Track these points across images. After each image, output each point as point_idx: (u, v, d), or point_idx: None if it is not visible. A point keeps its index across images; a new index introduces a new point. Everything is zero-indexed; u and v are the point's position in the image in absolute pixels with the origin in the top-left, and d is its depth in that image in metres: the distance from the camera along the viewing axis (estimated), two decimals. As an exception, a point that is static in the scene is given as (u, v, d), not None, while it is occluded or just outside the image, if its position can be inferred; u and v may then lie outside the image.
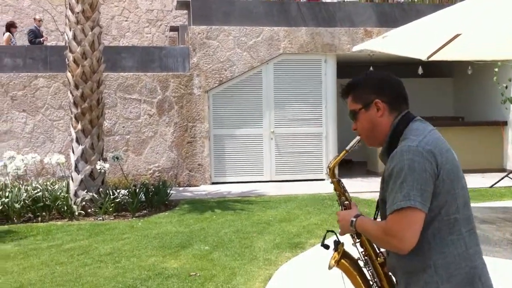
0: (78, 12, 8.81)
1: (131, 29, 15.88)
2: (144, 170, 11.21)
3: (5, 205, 8.32)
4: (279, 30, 11.48)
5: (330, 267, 2.45)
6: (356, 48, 7.55)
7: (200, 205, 9.16)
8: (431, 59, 7.95)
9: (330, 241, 2.46)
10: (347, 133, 12.71)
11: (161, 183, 9.57)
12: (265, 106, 11.47)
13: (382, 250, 2.38)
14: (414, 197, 2.00)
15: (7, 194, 8.44)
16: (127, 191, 9.04)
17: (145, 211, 8.94)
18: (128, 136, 11.20)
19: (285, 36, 11.52)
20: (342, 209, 2.42)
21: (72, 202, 8.65)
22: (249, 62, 11.42)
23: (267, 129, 11.51)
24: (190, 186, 11.18)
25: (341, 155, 2.50)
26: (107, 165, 8.82)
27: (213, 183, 11.32)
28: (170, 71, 11.29)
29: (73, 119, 8.94)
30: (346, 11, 11.96)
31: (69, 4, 8.94)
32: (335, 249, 2.44)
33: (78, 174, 8.82)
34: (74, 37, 8.87)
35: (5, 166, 8.75)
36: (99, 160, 8.81)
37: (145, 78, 11.19)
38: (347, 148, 2.46)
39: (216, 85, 11.33)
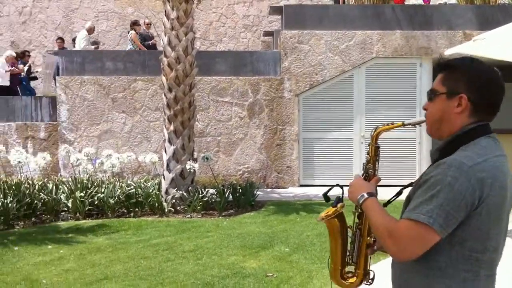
0: (173, 19, 9.16)
1: (227, 34, 16.28)
2: (234, 171, 11.43)
3: (101, 200, 8.81)
4: (372, 33, 11.30)
5: (319, 220, 2.29)
6: (448, 52, 7.28)
7: (285, 207, 9.20)
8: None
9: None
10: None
11: (248, 184, 9.73)
12: (356, 110, 11.33)
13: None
14: (437, 217, 1.82)
15: (103, 190, 8.93)
16: (215, 191, 9.28)
17: (232, 211, 9.12)
18: (220, 138, 11.47)
19: (378, 39, 11.33)
20: (363, 177, 2.25)
21: (163, 200, 9.00)
22: (340, 66, 11.33)
23: (357, 133, 11.37)
24: (278, 188, 11.27)
25: (396, 124, 2.23)
26: (196, 165, 9.10)
27: (301, 186, 11.33)
28: (261, 75, 11.45)
29: (166, 120, 9.30)
30: (444, 14, 11.56)
31: (165, 11, 9.33)
32: (334, 205, 2.29)
33: (170, 173, 9.16)
34: (169, 43, 9.23)
35: (101, 163, 9.26)
36: (189, 160, 9.10)
37: (237, 81, 11.42)
38: (406, 122, 2.23)
39: (307, 88, 11.34)
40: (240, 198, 9.36)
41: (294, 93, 11.37)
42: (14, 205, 8.18)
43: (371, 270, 2.27)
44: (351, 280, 2.25)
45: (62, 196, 8.86)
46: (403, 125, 2.22)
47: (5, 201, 8.10)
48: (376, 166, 2.25)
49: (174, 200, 8.99)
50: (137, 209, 8.93)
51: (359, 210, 2.22)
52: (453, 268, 1.91)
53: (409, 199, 2.00)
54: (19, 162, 8.84)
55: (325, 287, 5.34)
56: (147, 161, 9.77)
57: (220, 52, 12.11)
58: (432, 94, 2.04)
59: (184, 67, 9.19)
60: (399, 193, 2.30)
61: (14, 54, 13.80)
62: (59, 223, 8.45)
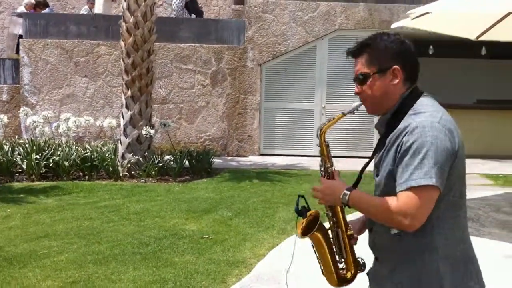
0: (132, -18, 9.13)
1: (199, 1, 16.16)
2: (195, 138, 11.53)
3: (56, 163, 8.87)
4: (336, 5, 11.35)
5: (300, 237, 2.30)
6: (394, 26, 7.38)
7: (240, 175, 9.35)
8: (480, 39, 7.66)
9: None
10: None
11: (205, 151, 9.84)
12: (318, 81, 11.43)
13: (351, 222, 2.33)
14: (436, 176, 1.92)
15: (58, 153, 8.99)
16: (172, 157, 9.39)
17: (188, 177, 9.24)
18: (182, 105, 11.53)
19: (342, 11, 11.38)
20: (325, 177, 2.25)
21: (119, 164, 9.08)
22: (303, 37, 11.39)
23: (318, 104, 11.49)
24: (238, 156, 11.40)
25: (336, 118, 2.26)
26: (152, 131, 9.18)
27: (261, 155, 11.48)
28: (225, 44, 11.47)
29: (124, 85, 9.33)
30: (409, -13, 11.62)
31: (125, -25, 9.28)
32: (304, 216, 2.31)
33: (126, 138, 9.24)
34: (128, 7, 9.20)
35: (58, 126, 9.30)
36: (146, 126, 9.17)
37: (201, 49, 11.44)
38: (345, 111, 2.24)
39: (270, 58, 11.40)
40: (196, 165, 9.48)
41: (257, 62, 11.42)
42: (-33, 165, 8.23)
43: (359, 258, 2.32)
44: (347, 275, 2.30)
45: (18, 158, 8.91)
46: (344, 115, 2.25)
47: (-42, 160, 8.15)
48: (332, 162, 2.27)
49: (129, 165, 9.08)
50: (92, 172, 9.01)
51: (330, 210, 2.27)
52: (442, 219, 2.04)
53: (389, 176, 2.05)
54: (-26, 122, 8.85)
55: (255, 249, 5.51)
56: (105, 126, 9.82)
57: (184, 19, 12.06)
58: (363, 78, 2.13)
59: (142, 32, 9.20)
60: (361, 172, 2.34)
61: (33, 1, 13.56)
62: (14, 183, 8.53)
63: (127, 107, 9.28)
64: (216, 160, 10.26)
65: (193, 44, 11.46)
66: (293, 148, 11.46)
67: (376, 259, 2.24)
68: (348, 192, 2.10)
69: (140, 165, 9.06)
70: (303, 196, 2.34)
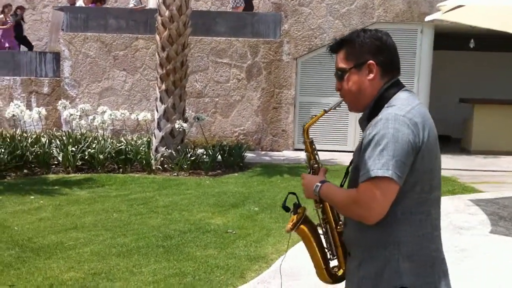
0: (167, -23, 9.19)
1: (239, -6, 16.14)
2: (230, 132, 11.55)
3: (91, 156, 9.04)
4: (374, -3, 11.16)
5: (287, 231, 2.34)
6: (428, 18, 7.19)
7: (272, 169, 9.32)
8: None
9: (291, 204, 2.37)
10: (441, 108, 12.24)
11: (238, 145, 9.85)
12: (355, 76, 11.28)
13: (341, 219, 2.30)
14: (393, 168, 1.90)
15: (94, 145, 9.15)
16: (204, 151, 9.44)
17: (219, 171, 9.27)
18: (217, 99, 11.57)
19: (380, 4, 11.18)
20: (310, 172, 2.30)
21: (152, 157, 9.18)
22: (340, 30, 11.24)
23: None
24: (272, 151, 11.37)
25: (318, 115, 2.31)
26: (185, 125, 9.23)
27: (295, 150, 11.42)
28: (261, 37, 11.43)
29: (158, 79, 9.42)
30: (450, -21, 11.30)
31: (160, -31, 9.35)
32: (294, 212, 2.34)
33: (160, 132, 9.33)
34: (164, 1, 9.27)
35: (93, 119, 9.47)
36: (179, 120, 9.23)
37: (237, 43, 11.44)
38: (326, 109, 2.28)
39: (305, 52, 11.31)
40: (228, 159, 9.50)
41: (293, 56, 11.35)
42: (6, 156, 8.46)
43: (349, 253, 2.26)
44: (339, 273, 2.28)
45: (54, 150, 9.11)
46: (326, 112, 2.30)
47: (-3, 152, 8.39)
48: (317, 158, 2.31)
49: (162, 158, 9.17)
50: (126, 165, 9.14)
51: (320, 205, 2.27)
52: (408, 214, 2.01)
53: (356, 168, 2.06)
54: (13, 115, 9.10)
55: (278, 244, 5.48)
56: (140, 119, 9.94)
57: (220, 13, 12.10)
58: (341, 73, 2.14)
59: (177, 26, 9.25)
60: (347, 173, 2.31)
61: None
62: (49, 175, 8.73)
63: (161, 100, 9.36)
64: (250, 155, 10.26)
65: (229, 38, 11.46)
66: (327, 143, 11.34)
67: (348, 254, 2.22)
68: (319, 184, 2.14)
69: (173, 158, 9.14)
70: (294, 193, 2.37)
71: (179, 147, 9.30)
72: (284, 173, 9.03)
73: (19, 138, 9.04)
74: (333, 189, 2.10)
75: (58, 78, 11.95)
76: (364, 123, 2.14)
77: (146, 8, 12.44)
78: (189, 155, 9.16)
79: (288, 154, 11.03)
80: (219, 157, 9.51)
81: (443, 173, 7.33)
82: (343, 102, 2.23)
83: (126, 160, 9.15)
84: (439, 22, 10.89)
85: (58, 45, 12.57)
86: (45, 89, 12.04)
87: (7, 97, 11.82)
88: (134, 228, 5.99)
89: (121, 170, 9.10)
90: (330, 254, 2.30)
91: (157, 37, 9.41)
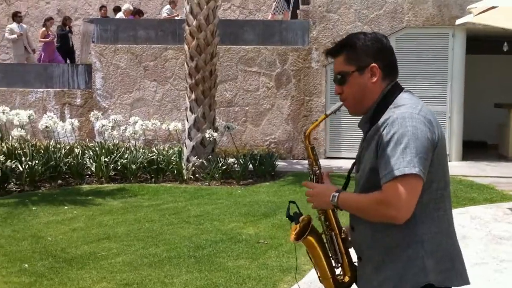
0: (195, -13, 9.24)
1: (266, 3, 16.19)
2: (260, 141, 11.53)
3: (123, 166, 9.11)
4: (403, 2, 11.02)
5: (292, 241, 2.30)
6: (459, 22, 7.06)
7: (303, 178, 9.15)
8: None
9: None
10: (476, 113, 12.00)
11: (269, 154, 9.82)
12: (385, 81, 11.15)
13: (345, 226, 2.28)
14: (418, 164, 1.91)
15: (126, 156, 9.23)
16: (235, 160, 9.43)
17: (251, 180, 9.24)
18: (247, 108, 11.57)
19: (409, 8, 11.04)
20: (313, 180, 2.28)
21: (184, 167, 9.21)
22: (370, 36, 11.12)
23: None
24: (304, 159, 11.28)
25: (319, 120, 2.33)
26: (216, 134, 9.25)
27: (327, 158, 11.32)
28: (290, 45, 11.41)
29: (188, 89, 9.47)
30: (482, -18, 11.11)
31: (188, -21, 9.41)
32: (296, 222, 2.31)
33: (191, 141, 9.36)
34: (191, 11, 9.33)
35: (125, 130, 9.56)
36: (210, 129, 9.25)
37: (265, 51, 11.43)
38: (327, 112, 2.28)
39: (335, 59, 11.21)
40: (259, 168, 9.47)
41: (322, 63, 11.28)
42: (40, 167, 8.59)
43: (355, 262, 2.26)
44: (345, 279, 2.25)
45: (88, 161, 9.22)
46: (326, 116, 2.32)
47: (31, 163, 8.51)
48: (319, 164, 2.30)
49: (194, 168, 9.19)
50: (158, 175, 9.19)
51: (323, 212, 2.24)
52: (426, 212, 2.02)
53: (371, 170, 2.05)
54: (46, 127, 9.24)
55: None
56: (171, 129, 10.00)
57: (248, 21, 12.13)
58: (343, 77, 2.15)
59: (205, 35, 9.29)
60: (350, 173, 2.32)
61: (132, 8, 14.20)
62: (83, 186, 8.83)
63: (191, 110, 9.40)
64: (281, 163, 10.21)
65: (257, 46, 11.47)
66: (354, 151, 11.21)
67: (359, 259, 2.20)
68: (336, 194, 2.09)
69: (204, 168, 9.15)
70: (294, 202, 2.35)
71: (210, 156, 9.31)
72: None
73: (53, 149, 9.18)
74: (353, 196, 2.09)
75: (90, 90, 12.11)
76: (366, 125, 2.15)
77: (179, 17, 12.59)
78: (220, 164, 9.16)
79: (320, 163, 10.91)
80: (251, 166, 9.48)
81: (480, 180, 7.20)
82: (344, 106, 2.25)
83: (158, 170, 9.20)
84: (471, 25, 10.69)
85: (90, 57, 12.76)
86: (78, 101, 12.21)
87: (41, 109, 12.03)
88: (166, 238, 6.00)
89: (153, 180, 9.15)
90: (335, 262, 2.26)
91: (186, 47, 9.47)
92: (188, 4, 9.37)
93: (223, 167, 9.15)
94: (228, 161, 9.37)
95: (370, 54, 2.11)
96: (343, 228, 2.26)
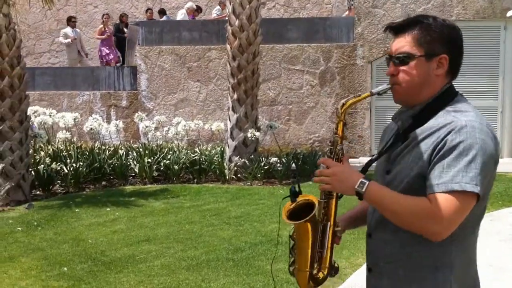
0: (236, -14, 9.17)
1: (311, 0, 16.00)
2: (304, 140, 11.36)
3: (166, 166, 9.12)
4: (452, -5, 10.65)
5: (286, 221, 1.99)
6: (511, 13, 6.71)
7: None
8: None
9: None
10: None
11: (312, 152, 9.65)
12: (434, 77, 10.79)
13: (340, 219, 2.04)
14: (480, 183, 1.70)
15: (169, 156, 9.24)
16: (278, 159, 9.31)
17: (294, 179, 9.10)
18: (291, 106, 11.42)
19: (458, 1, 10.65)
20: (333, 159, 1.93)
21: (226, 167, 9.15)
22: (417, 30, 10.80)
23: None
24: (350, 158, 11.05)
25: (363, 96, 1.95)
26: (258, 133, 9.15)
27: (372, 156, 11.04)
28: (334, 42, 11.19)
29: (230, 89, 9.40)
30: (535, -29, 10.61)
31: (229, -21, 9.35)
32: (293, 199, 2.05)
33: (233, 141, 9.29)
34: (233, 11, 9.25)
35: (168, 131, 9.58)
36: (251, 129, 9.16)
37: (309, 49, 11.25)
38: (373, 90, 1.96)
39: (380, 55, 10.94)
40: (302, 167, 9.31)
41: (367, 60, 11.02)
42: (84, 169, 8.68)
43: (335, 261, 2.04)
44: (319, 275, 2.02)
45: (131, 162, 9.27)
46: (372, 94, 1.96)
47: (76, 165, 8.62)
48: (343, 144, 1.98)
49: (236, 168, 9.12)
50: (201, 175, 9.16)
51: (326, 199, 1.97)
52: (463, 234, 1.81)
53: (419, 175, 1.80)
54: (91, 129, 9.35)
55: (352, 258, 5.25)
56: (214, 129, 9.96)
57: (292, 19, 11.99)
58: (406, 58, 1.85)
59: (247, 35, 9.20)
60: (366, 167, 2.08)
61: (195, 6, 14.41)
62: (126, 187, 8.88)
63: (233, 110, 9.33)
64: (324, 162, 10.00)
65: (301, 44, 11.30)
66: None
67: (369, 270, 1.96)
68: (366, 182, 1.79)
69: (247, 167, 9.07)
70: (298, 181, 2.12)
71: (252, 156, 9.22)
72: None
73: (97, 151, 9.27)
74: (390, 193, 1.78)
75: (135, 91, 12.22)
76: (407, 122, 1.89)
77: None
78: (262, 164, 9.05)
79: (365, 161, 10.66)
80: (293, 165, 9.34)
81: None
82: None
83: (201, 170, 9.17)
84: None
85: (135, 59, 12.88)
86: (124, 103, 12.34)
87: (87, 111, 12.22)
88: (205, 240, 5.93)
89: (195, 180, 9.13)
90: (317, 256, 2.00)
91: (228, 47, 9.40)
92: (230, 4, 9.30)
93: (265, 167, 9.04)
94: (271, 161, 9.25)
95: (444, 43, 1.84)
96: (338, 222, 2.01)
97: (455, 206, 1.69)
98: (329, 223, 1.98)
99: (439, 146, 1.76)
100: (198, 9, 15.04)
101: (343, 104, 1.95)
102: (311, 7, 16.12)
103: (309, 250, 2.00)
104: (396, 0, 10.89)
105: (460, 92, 1.92)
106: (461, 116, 1.79)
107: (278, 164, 9.27)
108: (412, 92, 1.87)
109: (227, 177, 9.02)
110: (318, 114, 11.29)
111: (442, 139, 1.76)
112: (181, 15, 14.16)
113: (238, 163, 9.11)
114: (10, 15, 8.07)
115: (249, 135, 9.06)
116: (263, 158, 9.27)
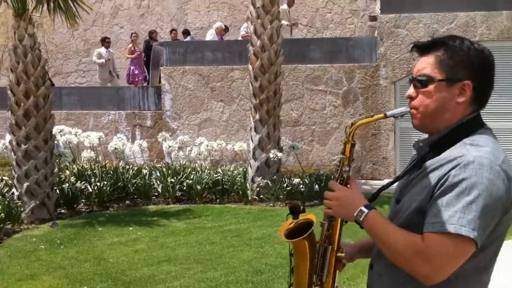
0: (258, 7, 9.24)
1: (334, 20, 16.07)
2: (328, 161, 11.32)
3: (189, 186, 9.16)
4: (476, 15, 10.57)
5: (284, 239, 1.97)
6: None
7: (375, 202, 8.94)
8: None
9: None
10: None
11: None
12: (458, 98, 10.69)
13: (343, 244, 1.98)
14: (479, 228, 1.57)
15: (192, 176, 9.28)
16: (301, 180, 9.28)
17: (317, 201, 9.03)
18: (314, 127, 11.41)
19: (482, 21, 10.57)
20: (338, 182, 1.88)
21: (249, 188, 9.15)
22: (441, 51, 10.73)
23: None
24: (373, 180, 10.97)
25: (375, 117, 1.85)
26: (280, 154, 9.15)
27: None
28: (357, 62, 11.19)
29: (252, 109, 9.44)
30: (562, -10, 10.51)
31: (252, 0, 9.44)
32: (295, 217, 2.02)
33: (255, 162, 9.30)
34: (255, 31, 9.33)
35: (191, 151, 9.64)
36: (274, 149, 9.16)
37: (332, 69, 11.26)
38: (388, 113, 1.85)
39: (404, 75, 10.89)
40: (325, 188, 9.24)
41: (391, 80, 10.98)
42: (108, 188, 8.77)
43: (337, 287, 1.96)
44: None
45: (154, 181, 9.34)
46: (385, 117, 1.85)
47: (100, 184, 8.71)
48: (351, 166, 1.92)
49: (258, 189, 9.11)
50: (224, 196, 9.18)
51: (331, 221, 1.91)
52: (465, 281, 1.70)
53: (416, 210, 1.72)
54: (115, 148, 9.46)
55: (364, 277, 5.17)
56: (236, 149, 10.00)
57: (314, 39, 12.04)
58: (426, 81, 1.74)
59: (269, 55, 9.24)
60: (380, 191, 2.06)
61: (224, 26, 14.63)
62: (150, 206, 8.93)
63: (255, 130, 9.35)
64: (347, 183, 9.94)
65: (323, 65, 11.32)
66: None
67: None
68: (365, 210, 1.74)
69: (269, 188, 9.05)
70: (304, 204, 2.01)
71: (274, 177, 9.21)
72: (385, 204, 8.58)
73: (121, 170, 9.37)
74: (386, 225, 1.70)
75: (160, 111, 12.35)
76: (424, 149, 1.79)
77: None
78: (285, 185, 9.04)
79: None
80: (316, 186, 9.29)
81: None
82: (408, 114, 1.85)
83: (223, 190, 9.19)
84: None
85: (159, 79, 13.05)
86: (148, 122, 12.47)
87: (113, 130, 12.37)
88: (225, 261, 5.93)
89: (218, 200, 9.14)
90: (316, 279, 1.92)
91: (250, 67, 9.46)
92: (252, 24, 9.38)
93: (288, 188, 9.02)
94: (293, 182, 9.23)
95: (469, 68, 1.72)
96: (342, 247, 1.94)
97: (446, 250, 1.58)
98: (330, 246, 1.91)
99: (442, 181, 1.65)
100: (226, 29, 15.20)
101: (352, 124, 1.88)
102: (334, 27, 16.17)
103: (307, 271, 1.94)
104: (418, 20, 10.86)
105: (486, 124, 1.79)
106: (474, 150, 1.66)
107: (301, 185, 9.24)
108: (429, 119, 1.77)
109: (250, 198, 9.02)
110: (341, 135, 11.24)
111: (446, 173, 1.65)
112: (210, 35, 14.30)
113: (261, 184, 9.10)
114: (35, 36, 8.24)
115: (271, 155, 9.06)
116: (286, 179, 9.26)
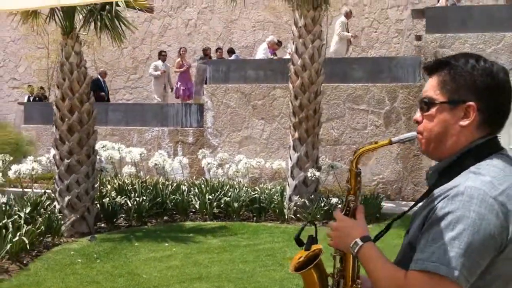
0: (300, 26, 9.27)
1: (379, 39, 15.95)
2: (368, 181, 11.16)
3: (226, 204, 9.20)
4: (524, 35, 10.31)
5: (291, 271, 1.93)
6: None
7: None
8: None
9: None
10: None
11: (374, 195, 9.47)
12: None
13: (364, 277, 1.84)
14: (462, 267, 1.44)
15: (229, 194, 9.32)
16: (339, 200, 9.18)
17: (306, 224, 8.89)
18: (355, 146, 11.27)
19: (531, 41, 10.30)
20: (344, 211, 1.85)
21: (286, 206, 9.12)
22: (487, 71, 10.49)
23: (505, 145, 10.40)
24: (414, 201, 10.74)
25: (380, 143, 1.77)
26: (318, 173, 9.09)
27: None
28: (400, 82, 11.05)
29: (292, 127, 9.42)
30: None
31: (294, 19, 9.47)
32: (306, 248, 1.96)
33: (293, 180, 9.26)
34: (296, 50, 9.35)
35: (229, 168, 9.69)
36: (312, 168, 9.10)
37: (374, 88, 11.16)
38: (394, 139, 1.76)
39: (448, 96, 10.68)
40: (365, 210, 9.11)
41: (434, 100, 10.77)
42: (147, 203, 8.89)
43: None
44: None
45: (193, 198, 9.41)
46: (390, 143, 1.76)
47: (139, 199, 8.84)
48: (358, 195, 1.85)
49: (296, 207, 9.06)
50: (260, 214, 9.17)
51: (339, 253, 1.84)
52: None
53: (409, 244, 1.65)
54: (156, 164, 9.60)
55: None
56: (274, 167, 9.98)
57: (357, 59, 11.96)
58: (428, 103, 1.64)
59: (309, 74, 9.23)
60: (387, 229, 1.96)
61: (276, 40, 14.78)
62: (187, 223, 9.00)
63: (294, 149, 9.33)
64: (389, 205, 9.79)
65: (365, 84, 11.23)
66: None
67: None
68: (360, 243, 1.68)
69: (306, 208, 8.99)
70: (315, 225, 1.99)
71: (312, 196, 9.14)
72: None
73: (161, 186, 9.48)
74: (376, 258, 1.63)
75: (201, 128, 12.48)
76: (434, 176, 1.69)
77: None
78: (322, 204, 8.96)
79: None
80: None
81: None
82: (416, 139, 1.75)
83: (260, 208, 9.18)
84: None
85: (202, 96, 13.20)
86: (190, 139, 12.62)
87: (156, 146, 12.57)
88: (256, 280, 5.90)
89: (255, 218, 9.14)
90: None
91: (290, 85, 9.47)
92: (293, 43, 9.41)
93: (325, 207, 8.93)
94: (331, 201, 9.14)
95: (472, 89, 1.59)
96: (358, 281, 1.81)
97: None
98: (342, 280, 1.83)
99: (429, 214, 1.54)
100: (279, 43, 15.17)
101: (355, 152, 1.80)
102: (379, 46, 16.06)
103: None
104: (464, 40, 10.66)
105: (504, 149, 1.64)
106: (471, 179, 1.53)
107: (339, 205, 9.14)
108: (433, 144, 1.66)
109: (286, 217, 8.98)
110: (382, 155, 11.10)
111: (435, 205, 1.54)
112: (263, 49, 14.29)
113: (298, 203, 9.05)
114: (81, 53, 8.48)
115: (309, 174, 9.01)
116: (323, 199, 9.18)
